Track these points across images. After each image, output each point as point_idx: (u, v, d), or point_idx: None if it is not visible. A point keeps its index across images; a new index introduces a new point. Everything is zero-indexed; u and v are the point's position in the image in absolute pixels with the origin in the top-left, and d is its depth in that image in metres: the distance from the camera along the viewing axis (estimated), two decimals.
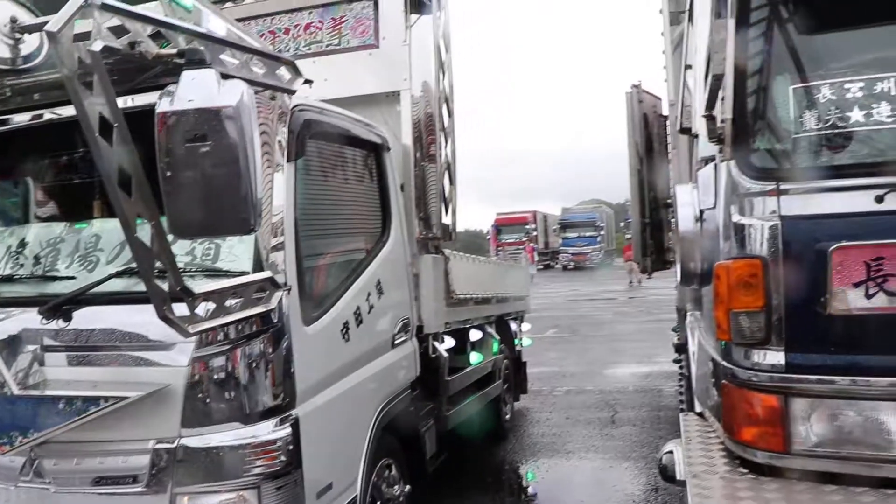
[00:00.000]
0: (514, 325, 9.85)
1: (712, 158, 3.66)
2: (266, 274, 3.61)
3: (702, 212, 3.88)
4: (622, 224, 47.29)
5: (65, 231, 4.38)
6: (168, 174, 2.66)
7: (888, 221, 2.86)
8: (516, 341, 9.92)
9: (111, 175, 2.65)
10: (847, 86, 3.02)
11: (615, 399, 10.74)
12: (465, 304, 7.03)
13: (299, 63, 6.04)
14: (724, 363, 3.25)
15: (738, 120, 3.08)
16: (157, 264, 2.97)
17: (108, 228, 4.18)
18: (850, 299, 2.85)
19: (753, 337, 3.04)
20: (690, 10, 4.96)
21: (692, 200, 3.96)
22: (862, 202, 2.90)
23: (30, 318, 3.82)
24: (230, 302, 3.42)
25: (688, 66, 5.19)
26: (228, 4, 6.60)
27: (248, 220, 2.76)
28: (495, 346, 8.52)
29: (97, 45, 2.59)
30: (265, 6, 6.51)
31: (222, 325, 3.47)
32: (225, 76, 2.90)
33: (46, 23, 2.51)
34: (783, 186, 3.03)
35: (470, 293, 7.09)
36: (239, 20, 6.41)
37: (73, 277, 4.11)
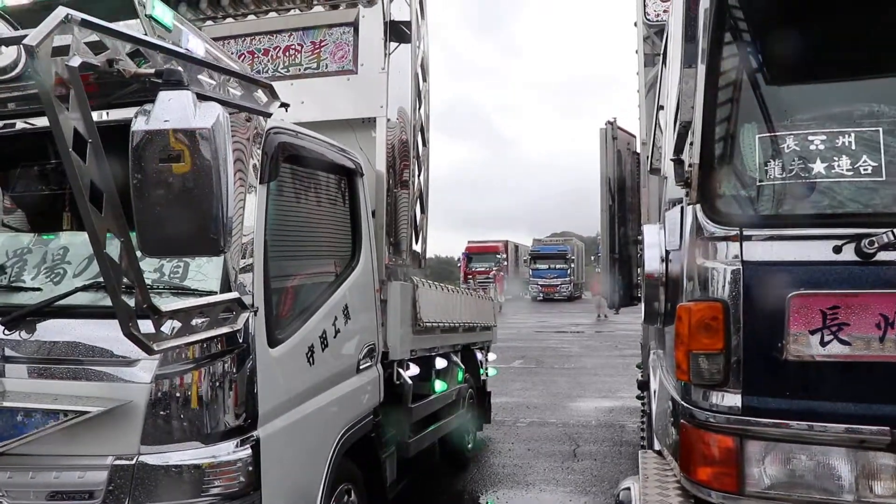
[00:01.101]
0: (479, 355, 9.87)
1: (680, 201, 3.72)
2: (233, 295, 3.61)
3: (668, 252, 3.95)
4: (592, 258, 47.63)
5: (32, 242, 4.36)
6: (140, 193, 2.67)
7: (844, 272, 2.93)
8: (481, 371, 9.94)
9: (83, 191, 2.64)
10: (811, 138, 3.10)
11: (578, 433, 10.77)
12: (432, 331, 7.05)
13: (277, 85, 6.07)
14: (683, 403, 3.29)
15: (704, 165, 3.14)
16: (125, 280, 2.97)
17: (76, 241, 4.17)
18: (807, 346, 2.91)
19: (712, 379, 3.09)
20: (665, 53, 5.08)
21: (659, 241, 4.02)
22: (821, 252, 2.97)
23: None
24: (196, 321, 3.42)
25: (660, 107, 5.29)
26: (209, 23, 6.63)
27: (218, 241, 2.77)
28: (460, 375, 8.54)
29: (75, 61, 2.60)
30: (245, 26, 6.56)
31: (187, 344, 3.47)
32: (202, 97, 2.92)
33: (25, 36, 2.52)
34: (746, 232, 3.10)
35: (437, 321, 7.11)
36: (218, 39, 6.50)
37: (38, 289, 4.09)
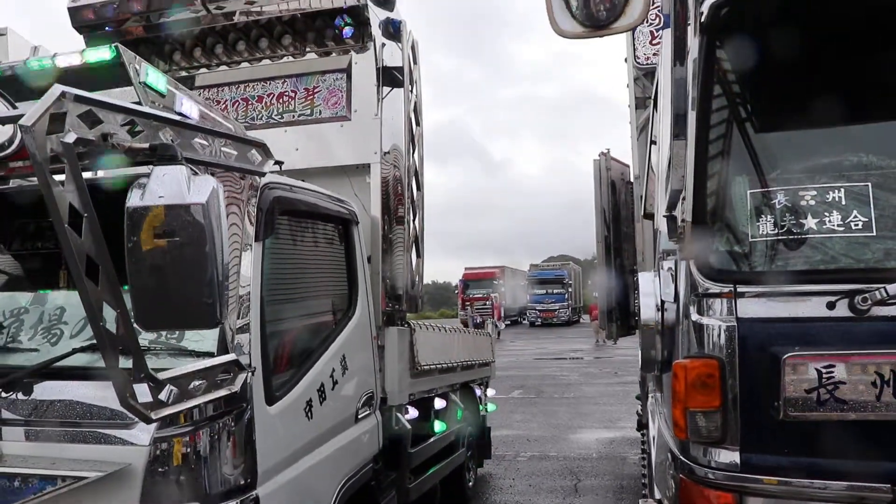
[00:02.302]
0: (478, 391, 9.84)
1: (673, 252, 3.75)
2: (230, 357, 3.61)
3: (663, 301, 3.97)
4: (590, 281, 47.69)
5: (29, 302, 4.36)
6: (136, 268, 2.68)
7: (839, 328, 2.95)
8: (481, 407, 9.91)
9: (79, 265, 2.66)
10: (801, 193, 3.13)
11: (579, 466, 10.73)
12: (430, 373, 7.04)
13: (271, 132, 6.20)
14: (682, 458, 3.29)
15: (697, 221, 3.17)
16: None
17: (73, 301, 4.15)
18: (804, 405, 2.91)
19: (710, 436, 3.09)
20: (655, 97, 5.13)
21: (654, 290, 4.04)
22: (815, 308, 2.99)
23: None
24: (194, 384, 3.42)
25: (653, 142, 5.32)
26: (202, 70, 6.67)
27: (214, 315, 2.78)
28: (459, 414, 8.51)
29: (70, 137, 2.63)
30: (238, 73, 6.61)
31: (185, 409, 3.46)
32: (196, 164, 2.95)
33: (21, 116, 2.54)
34: (740, 289, 3.11)
35: (435, 363, 7.10)
36: (212, 86, 6.56)
37: (36, 350, 4.09)
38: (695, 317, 3.22)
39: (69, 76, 3.29)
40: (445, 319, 64.25)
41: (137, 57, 3.33)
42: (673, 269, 3.67)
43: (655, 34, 5.83)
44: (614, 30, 2.83)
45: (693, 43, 3.14)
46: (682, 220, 3.21)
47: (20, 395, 3.80)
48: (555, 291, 55.92)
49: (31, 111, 2.53)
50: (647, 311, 4.04)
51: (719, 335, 3.11)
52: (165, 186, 2.70)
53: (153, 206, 2.67)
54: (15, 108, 3.00)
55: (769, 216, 3.17)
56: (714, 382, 3.07)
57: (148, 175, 2.75)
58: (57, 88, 2.60)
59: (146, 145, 2.84)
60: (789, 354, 2.92)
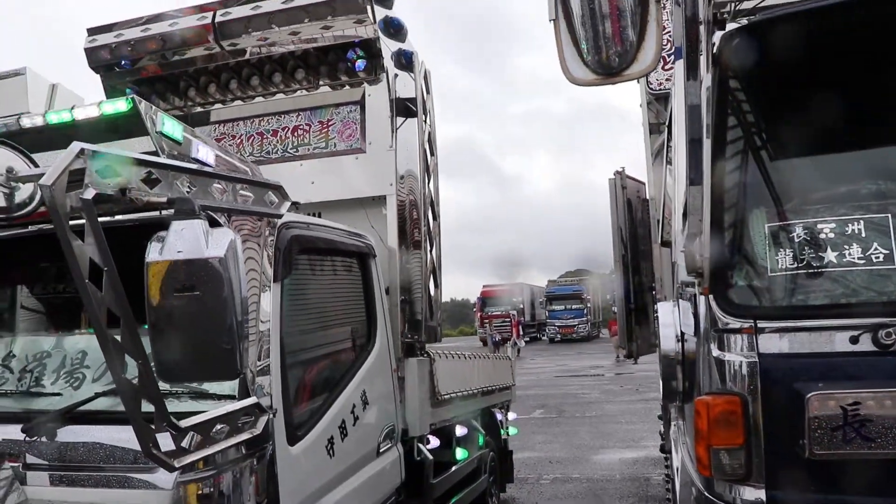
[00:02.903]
0: (499, 415, 9.79)
1: (692, 285, 3.73)
2: (252, 400, 3.62)
3: (683, 333, 3.95)
4: (608, 296, 47.49)
5: (52, 346, 4.39)
6: (155, 322, 2.70)
7: (863, 363, 2.92)
8: (502, 431, 9.86)
9: (99, 319, 2.68)
10: (820, 225, 3.11)
11: (602, 488, 10.64)
12: (451, 402, 7.01)
13: (287, 165, 6.23)
14: (707, 494, 3.26)
15: (715, 257, 3.15)
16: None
17: (94, 346, 4.17)
18: (829, 443, 2.89)
19: (734, 473, 3.07)
20: (670, 123, 5.12)
21: (674, 320, 4.02)
22: (838, 343, 2.97)
23: (12, 433, 3.81)
24: (216, 428, 3.43)
25: (668, 161, 5.31)
26: (217, 106, 6.73)
27: (234, 367, 2.80)
28: (480, 440, 8.47)
29: (89, 194, 2.66)
30: (253, 108, 6.66)
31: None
32: (215, 216, 2.97)
33: (41, 175, 2.57)
34: (761, 324, 3.09)
35: (455, 391, 7.08)
36: (227, 121, 6.60)
37: (58, 394, 4.12)
38: (716, 352, 3.20)
39: (87, 127, 3.33)
40: (464, 337, 64.21)
41: (153, 107, 3.37)
42: (692, 302, 3.65)
43: (667, 59, 5.82)
44: (626, 76, 2.84)
45: (705, 74, 3.14)
46: (700, 256, 3.19)
47: (44, 439, 3.81)
48: (573, 307, 55.85)
49: (51, 170, 2.56)
50: (668, 341, 4.02)
51: (741, 371, 3.09)
52: (184, 241, 2.72)
53: (172, 260, 2.69)
54: (34, 163, 3.03)
55: (788, 250, 3.16)
56: (737, 419, 3.05)
57: (166, 228, 2.78)
58: (76, 146, 2.63)
59: (164, 199, 2.86)
60: (813, 393, 2.90)
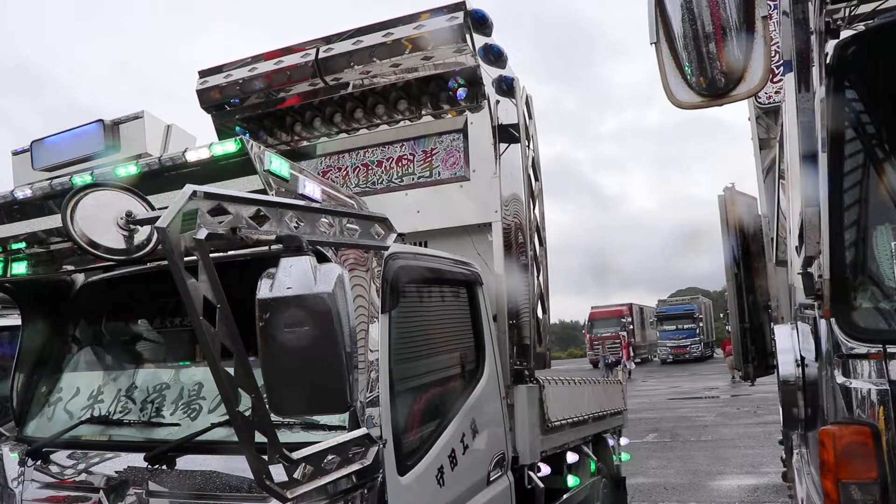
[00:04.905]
0: (611, 441, 9.62)
1: (811, 307, 3.57)
2: (362, 431, 3.64)
3: (803, 357, 3.78)
4: (721, 315, 46.15)
5: (171, 377, 4.55)
6: (267, 358, 2.76)
7: None
8: (614, 458, 9.66)
9: (214, 354, 2.75)
10: None
11: None
12: (561, 429, 6.92)
13: (392, 196, 6.31)
14: None
15: (836, 277, 3.01)
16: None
17: (209, 378, 4.31)
18: None
19: None
20: (781, 139, 4.94)
21: (792, 345, 3.86)
22: None
23: (136, 461, 3.99)
24: (327, 459, 3.47)
25: (780, 178, 5.12)
26: (323, 139, 6.88)
27: (345, 401, 2.82)
28: (592, 466, 8.33)
29: (201, 234, 2.74)
30: (358, 140, 6.78)
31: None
32: (323, 251, 3.02)
33: (157, 218, 2.67)
34: (891, 349, 2.92)
35: (565, 417, 6.98)
36: (333, 154, 6.73)
37: (177, 424, 4.25)
38: (840, 379, 3.04)
39: (198, 168, 3.45)
40: (573, 359, 63.51)
41: (261, 147, 3.46)
42: (813, 325, 3.49)
43: (776, 71, 5.63)
44: (734, 98, 2.75)
45: (818, 87, 3.01)
46: (820, 277, 3.05)
47: (165, 468, 3.95)
48: (685, 327, 54.53)
49: (166, 213, 2.65)
50: (787, 367, 3.86)
51: (870, 399, 2.93)
52: (293, 277, 2.78)
53: (282, 296, 2.75)
54: (150, 206, 3.16)
55: None
56: (868, 451, 2.88)
57: (276, 265, 2.84)
58: (188, 189, 2.71)
59: (273, 237, 2.93)
60: None
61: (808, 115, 2.94)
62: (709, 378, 36.88)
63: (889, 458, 2.86)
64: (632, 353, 48.00)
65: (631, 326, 54.55)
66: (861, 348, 2.99)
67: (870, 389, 2.93)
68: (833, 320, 3.08)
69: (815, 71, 2.98)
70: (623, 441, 10.28)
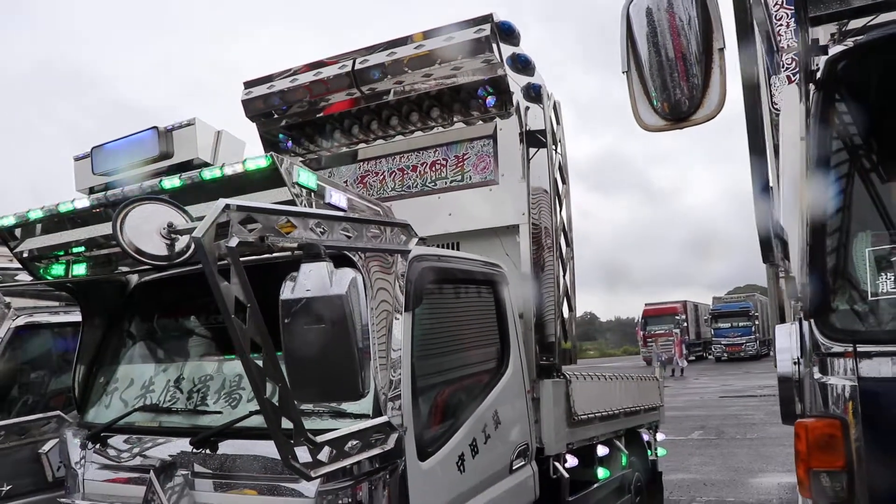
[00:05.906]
0: (646, 436, 9.79)
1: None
2: (383, 419, 4.00)
3: (799, 356, 3.99)
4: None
5: (214, 369, 4.96)
6: (290, 351, 3.17)
7: None
8: (649, 452, 9.84)
9: (244, 348, 3.12)
10: None
11: None
12: (590, 422, 7.16)
13: (426, 199, 6.63)
14: None
15: (815, 281, 3.24)
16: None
17: None
18: None
19: (836, 497, 3.11)
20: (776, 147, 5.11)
21: (790, 344, 4.07)
22: None
23: (183, 445, 4.46)
24: (350, 444, 3.82)
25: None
26: (361, 145, 7.24)
27: (357, 389, 3.21)
28: (624, 460, 8.53)
29: (233, 242, 3.11)
30: (394, 146, 7.13)
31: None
32: (348, 260, 3.40)
33: (195, 228, 3.04)
34: (861, 348, 3.14)
35: (594, 412, 7.22)
36: (371, 159, 7.09)
37: (219, 412, 4.65)
38: (817, 375, 3.27)
39: (234, 182, 3.84)
40: (628, 356, 63.06)
41: (290, 161, 3.83)
42: (798, 326, 3.72)
43: (792, 79, 5.79)
44: (693, 122, 3.01)
45: (800, 104, 3.25)
46: (801, 281, 3.28)
47: (208, 451, 4.36)
48: (741, 324, 53.69)
49: (202, 224, 3.03)
50: (784, 364, 4.06)
51: (841, 394, 3.15)
52: (311, 281, 3.17)
53: (302, 297, 3.13)
54: (190, 216, 3.54)
55: (891, 273, 3.19)
56: (836, 442, 3.11)
57: (297, 269, 3.22)
58: (221, 202, 3.09)
59: (295, 244, 3.30)
60: None
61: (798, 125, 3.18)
62: (763, 376, 36.34)
63: (856, 448, 3.09)
64: (685, 351, 47.53)
65: (685, 324, 54.00)
66: (836, 347, 3.21)
67: (843, 386, 3.16)
68: (812, 321, 3.31)
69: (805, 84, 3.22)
70: (660, 436, 10.44)
